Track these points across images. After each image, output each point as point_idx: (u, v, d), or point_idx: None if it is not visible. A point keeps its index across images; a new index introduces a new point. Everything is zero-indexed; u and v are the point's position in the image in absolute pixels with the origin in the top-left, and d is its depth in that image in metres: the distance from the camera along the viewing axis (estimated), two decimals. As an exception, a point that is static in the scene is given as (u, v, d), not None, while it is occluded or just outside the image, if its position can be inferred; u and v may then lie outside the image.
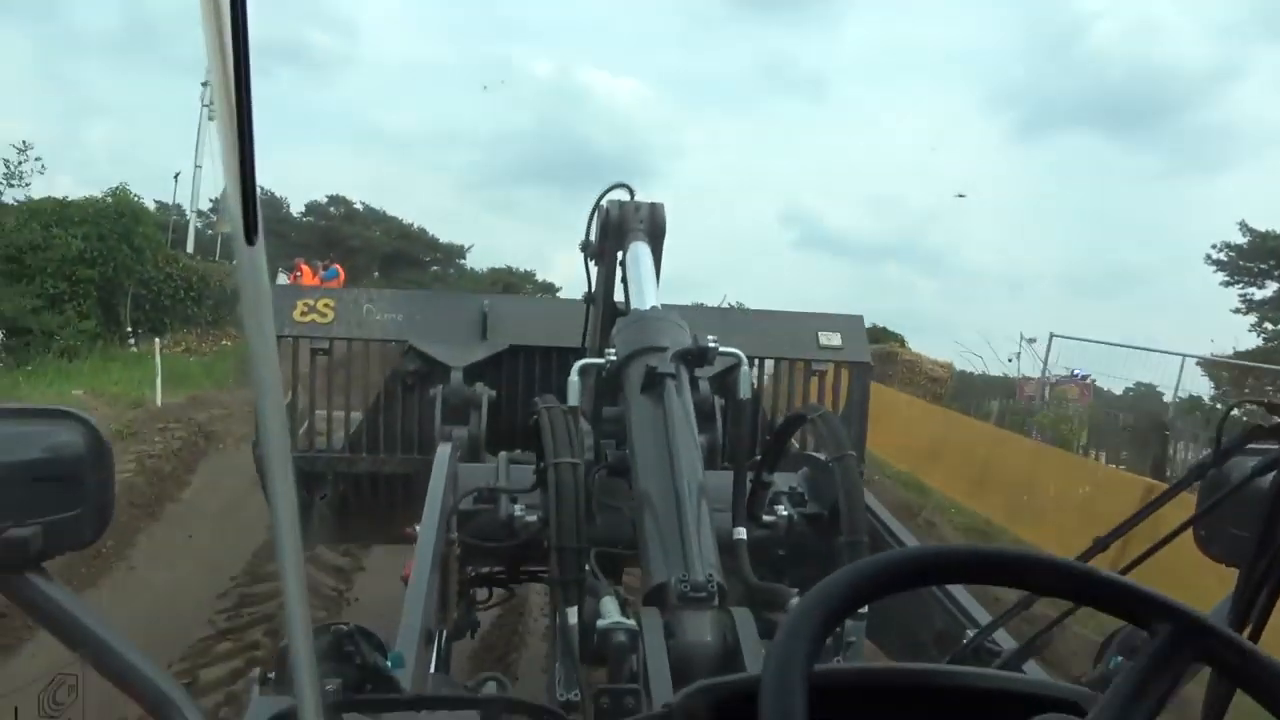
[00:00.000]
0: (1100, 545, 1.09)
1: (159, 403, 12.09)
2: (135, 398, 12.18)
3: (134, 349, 16.44)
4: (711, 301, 9.21)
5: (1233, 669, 0.74)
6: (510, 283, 32.69)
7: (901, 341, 21.51)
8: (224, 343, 17.50)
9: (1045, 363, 16.05)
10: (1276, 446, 1.07)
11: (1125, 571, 0.93)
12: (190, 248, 22.75)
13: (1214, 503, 1.07)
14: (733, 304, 8.12)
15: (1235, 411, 7.06)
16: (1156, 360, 14.68)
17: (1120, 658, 1.31)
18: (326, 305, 4.41)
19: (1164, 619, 0.73)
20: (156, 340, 14.89)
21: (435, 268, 37.08)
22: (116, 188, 17.86)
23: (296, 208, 36.58)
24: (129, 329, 17.08)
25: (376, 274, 32.47)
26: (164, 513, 7.86)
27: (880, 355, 18.02)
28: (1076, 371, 15.82)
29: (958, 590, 2.02)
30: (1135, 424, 15.09)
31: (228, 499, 7.62)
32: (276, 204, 36.37)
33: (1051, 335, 15.96)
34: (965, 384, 19.40)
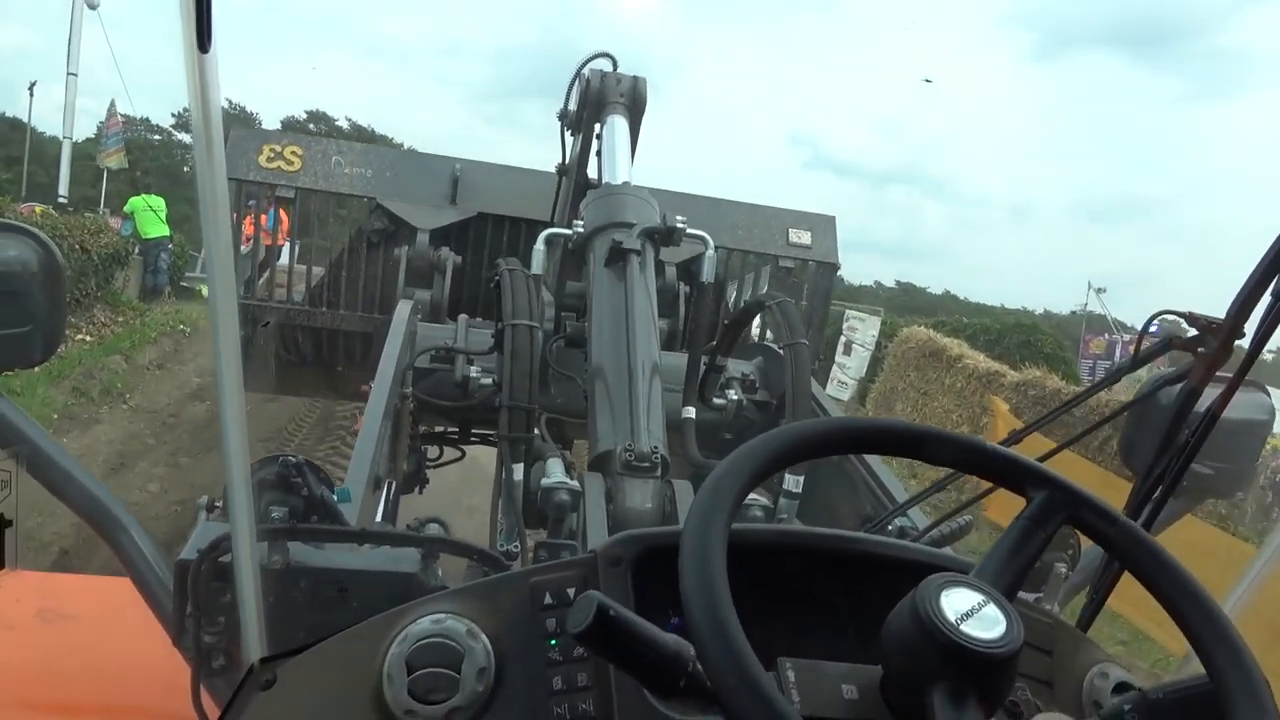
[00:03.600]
0: (1014, 438, 1.17)
1: None
2: None
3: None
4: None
5: (1097, 532, 0.82)
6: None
7: (1060, 344, 13.36)
8: (80, 338, 9.38)
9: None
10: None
11: (1042, 460, 1.01)
12: (63, 187, 16.12)
13: (1123, 408, 1.14)
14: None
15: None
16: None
17: None
18: (294, 153, 4.29)
19: (1040, 486, 0.81)
20: None
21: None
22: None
23: (270, 124, 34.55)
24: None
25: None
26: None
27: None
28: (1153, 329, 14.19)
29: (885, 475, 2.12)
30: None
31: None
32: (247, 119, 34.30)
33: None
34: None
